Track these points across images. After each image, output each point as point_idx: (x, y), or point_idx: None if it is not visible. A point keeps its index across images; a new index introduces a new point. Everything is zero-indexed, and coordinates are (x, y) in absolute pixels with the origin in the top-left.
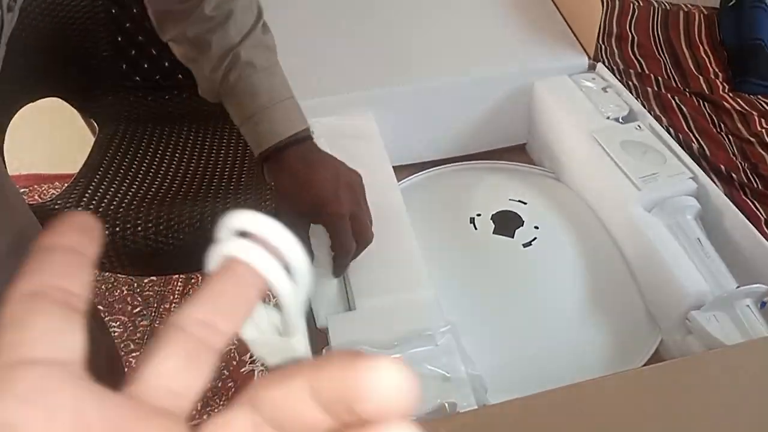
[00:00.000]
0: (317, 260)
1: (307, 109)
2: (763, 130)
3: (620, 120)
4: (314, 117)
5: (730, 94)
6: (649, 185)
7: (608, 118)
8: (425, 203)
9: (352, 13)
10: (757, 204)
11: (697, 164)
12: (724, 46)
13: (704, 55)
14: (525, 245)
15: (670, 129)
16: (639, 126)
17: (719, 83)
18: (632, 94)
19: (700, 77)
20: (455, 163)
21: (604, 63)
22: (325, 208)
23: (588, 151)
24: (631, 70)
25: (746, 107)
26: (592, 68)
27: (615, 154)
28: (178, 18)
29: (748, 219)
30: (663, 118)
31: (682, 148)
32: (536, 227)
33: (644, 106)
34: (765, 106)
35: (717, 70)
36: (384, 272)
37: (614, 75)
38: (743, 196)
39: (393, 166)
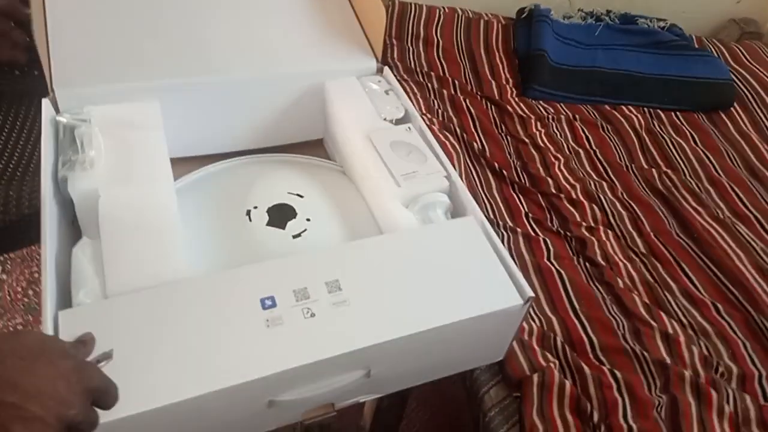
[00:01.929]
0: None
1: (91, 96)
2: (537, 132)
3: (394, 121)
4: (97, 104)
5: (516, 99)
6: (408, 182)
7: (384, 119)
8: (210, 195)
9: (149, 3)
10: (521, 198)
11: (476, 161)
12: (516, 54)
13: (499, 62)
14: (294, 236)
15: (458, 129)
16: (409, 128)
17: (509, 88)
18: (431, 95)
19: (493, 82)
20: (251, 155)
21: (405, 64)
22: None
23: (363, 149)
24: (433, 72)
25: (526, 111)
26: (380, 71)
27: (384, 153)
28: None
29: (512, 211)
30: (455, 119)
31: (466, 146)
32: (308, 219)
33: (440, 107)
34: (542, 110)
35: (508, 76)
36: (140, 256)
37: (416, 76)
38: (511, 191)
39: (184, 158)
